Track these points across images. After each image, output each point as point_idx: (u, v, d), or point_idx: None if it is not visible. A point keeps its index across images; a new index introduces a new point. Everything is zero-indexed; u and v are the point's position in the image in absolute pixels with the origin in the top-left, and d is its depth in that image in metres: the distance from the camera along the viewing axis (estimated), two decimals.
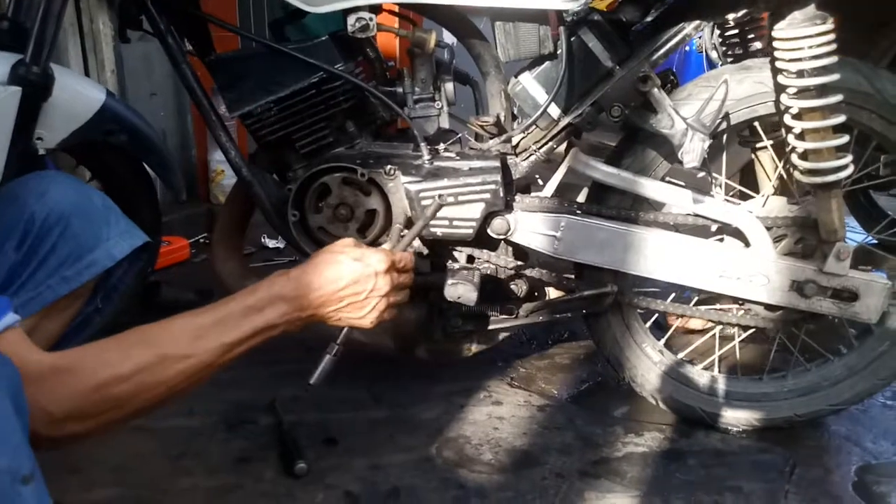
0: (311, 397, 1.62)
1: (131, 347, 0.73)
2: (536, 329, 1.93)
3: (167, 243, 2.25)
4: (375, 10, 1.16)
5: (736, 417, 1.51)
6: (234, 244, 1.45)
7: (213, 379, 0.80)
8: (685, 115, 1.19)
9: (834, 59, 1.16)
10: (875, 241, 1.57)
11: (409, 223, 1.26)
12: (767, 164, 1.40)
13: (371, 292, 0.92)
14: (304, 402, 1.60)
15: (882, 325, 1.47)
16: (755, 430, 1.52)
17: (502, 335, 1.51)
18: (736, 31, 1.36)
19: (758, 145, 1.38)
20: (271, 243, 2.50)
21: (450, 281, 1.20)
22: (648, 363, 1.49)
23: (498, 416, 1.58)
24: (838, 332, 1.58)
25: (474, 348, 1.49)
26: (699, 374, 1.53)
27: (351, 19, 1.16)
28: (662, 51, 1.21)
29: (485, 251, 1.32)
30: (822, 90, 1.17)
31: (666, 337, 1.54)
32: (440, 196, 1.18)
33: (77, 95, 1.32)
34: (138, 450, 1.40)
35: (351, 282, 0.90)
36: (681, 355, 1.54)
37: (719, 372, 1.54)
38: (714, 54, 1.38)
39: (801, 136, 1.22)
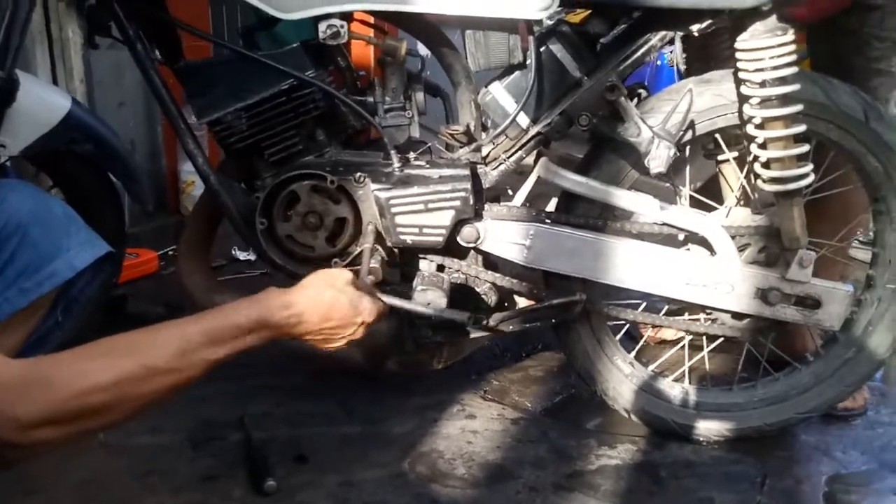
0: (282, 413, 1.59)
1: (115, 357, 0.72)
2: (509, 341, 1.92)
3: (135, 255, 2.21)
4: (347, 17, 1.17)
5: (707, 428, 1.51)
6: (201, 256, 1.42)
7: (180, 395, 0.78)
8: (651, 125, 1.21)
9: (795, 69, 1.19)
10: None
11: (378, 235, 1.26)
12: (731, 177, 1.43)
13: (350, 335, 0.96)
14: (274, 417, 1.58)
15: (846, 332, 1.50)
16: (726, 441, 1.53)
17: (474, 347, 1.50)
18: (700, 45, 1.39)
19: (721, 158, 1.41)
20: (242, 255, 2.47)
21: (419, 287, 1.19)
22: (619, 376, 1.50)
23: (471, 430, 1.56)
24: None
25: (446, 360, 1.48)
26: (670, 387, 1.53)
27: (322, 26, 1.16)
28: (629, 61, 1.23)
29: (455, 260, 1.32)
30: (783, 100, 1.20)
31: (637, 349, 1.55)
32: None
33: (42, 102, 1.30)
34: (103, 468, 1.36)
35: (338, 325, 0.93)
36: (651, 368, 1.55)
37: (689, 383, 1.55)
38: (684, 68, 1.42)
39: (763, 146, 1.25)
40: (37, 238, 0.96)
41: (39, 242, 0.97)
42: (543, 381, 1.77)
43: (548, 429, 1.58)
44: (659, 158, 1.17)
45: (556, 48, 1.26)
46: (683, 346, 1.55)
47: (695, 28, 1.19)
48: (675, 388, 1.53)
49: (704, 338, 1.51)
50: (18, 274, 0.96)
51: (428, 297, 1.19)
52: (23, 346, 1.02)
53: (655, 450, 1.54)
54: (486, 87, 1.31)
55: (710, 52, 1.49)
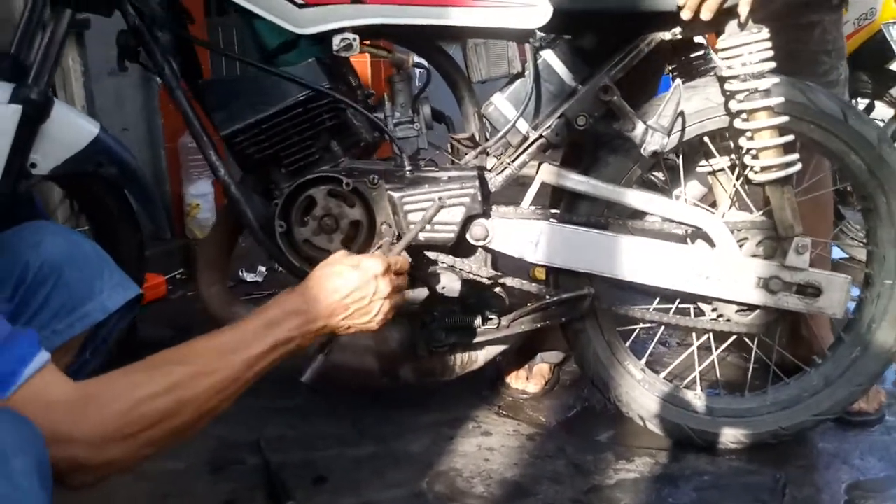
0: (296, 435, 1.59)
1: (162, 366, 0.76)
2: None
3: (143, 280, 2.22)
4: (359, 31, 1.27)
5: (723, 434, 1.51)
6: (220, 270, 1.47)
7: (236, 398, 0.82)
8: (645, 120, 1.30)
9: (773, 64, 1.29)
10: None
11: (392, 236, 1.31)
12: (724, 182, 1.50)
13: (374, 296, 0.97)
14: (289, 440, 1.57)
15: (850, 331, 1.53)
16: (744, 448, 1.52)
17: (487, 358, 1.52)
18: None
19: (715, 167, 1.49)
20: (249, 277, 2.50)
21: (433, 272, 1.23)
22: (632, 381, 1.51)
23: (488, 447, 1.56)
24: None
25: (459, 369, 1.50)
26: (683, 392, 1.54)
27: (336, 39, 1.26)
28: (621, 66, 1.33)
29: (465, 261, 1.37)
30: (765, 92, 1.29)
31: (647, 355, 1.57)
32: (440, 198, 1.24)
33: (72, 126, 1.39)
34: (123, 493, 1.35)
35: (353, 289, 0.95)
36: (662, 374, 1.56)
37: (700, 390, 1.56)
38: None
39: (751, 138, 1.33)
40: (71, 280, 0.98)
41: (73, 284, 0.99)
42: (556, 394, 1.78)
43: (564, 443, 1.58)
44: (654, 143, 1.25)
45: (552, 58, 1.36)
46: (693, 352, 1.57)
47: (678, 30, 1.29)
48: (689, 394, 1.54)
49: (713, 341, 1.53)
50: (52, 316, 0.98)
51: (443, 282, 1.23)
52: None
53: (673, 462, 1.53)
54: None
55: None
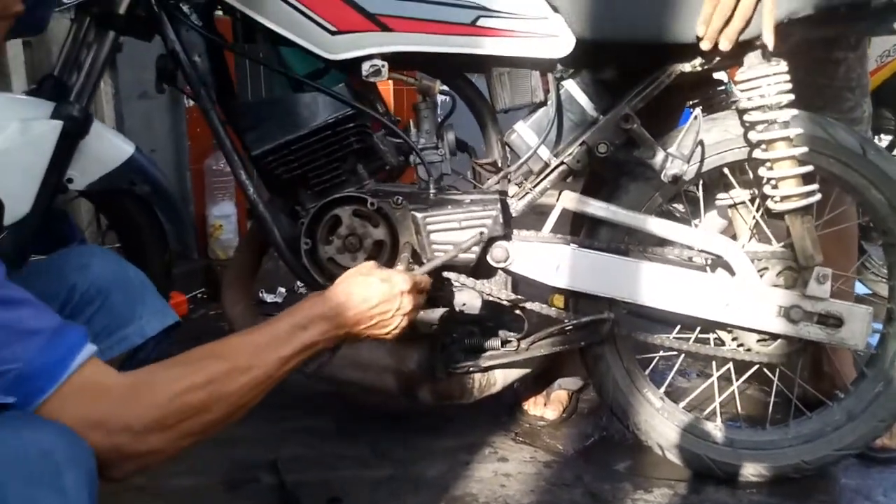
0: (314, 455, 1.60)
1: (201, 360, 0.79)
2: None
3: None
4: (387, 58, 1.32)
5: (744, 466, 1.49)
6: (244, 289, 1.50)
7: (213, 437, 0.83)
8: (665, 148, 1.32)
9: (791, 96, 1.31)
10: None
11: (414, 254, 1.33)
12: (744, 214, 1.51)
13: (397, 311, 1.01)
14: (306, 460, 1.58)
15: (873, 367, 1.52)
16: (765, 482, 1.50)
17: (505, 383, 1.53)
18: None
19: (736, 200, 1.50)
20: (269, 298, 2.53)
21: (455, 289, 1.25)
22: (651, 409, 1.50)
23: (504, 473, 1.55)
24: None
25: (477, 392, 1.50)
26: (702, 423, 1.53)
27: (365, 65, 1.31)
28: (641, 96, 1.36)
29: (486, 282, 1.38)
30: (784, 123, 1.31)
31: (666, 385, 1.57)
32: (482, 233, 1.27)
33: (109, 144, 1.44)
34: None
35: (380, 301, 0.99)
36: (682, 404, 1.55)
37: (721, 421, 1.55)
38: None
39: (770, 168, 1.34)
40: (115, 303, 1.02)
41: (116, 308, 1.02)
42: (574, 422, 1.77)
43: (581, 472, 1.57)
44: (674, 168, 1.26)
45: (574, 88, 1.39)
46: (713, 383, 1.56)
47: (698, 62, 1.32)
48: (709, 425, 1.53)
49: (733, 371, 1.52)
50: (94, 336, 1.00)
51: (463, 299, 1.25)
52: None
53: (692, 493, 1.51)
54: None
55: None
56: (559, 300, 1.55)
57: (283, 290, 2.60)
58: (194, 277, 2.66)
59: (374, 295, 0.98)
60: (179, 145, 2.75)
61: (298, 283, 2.60)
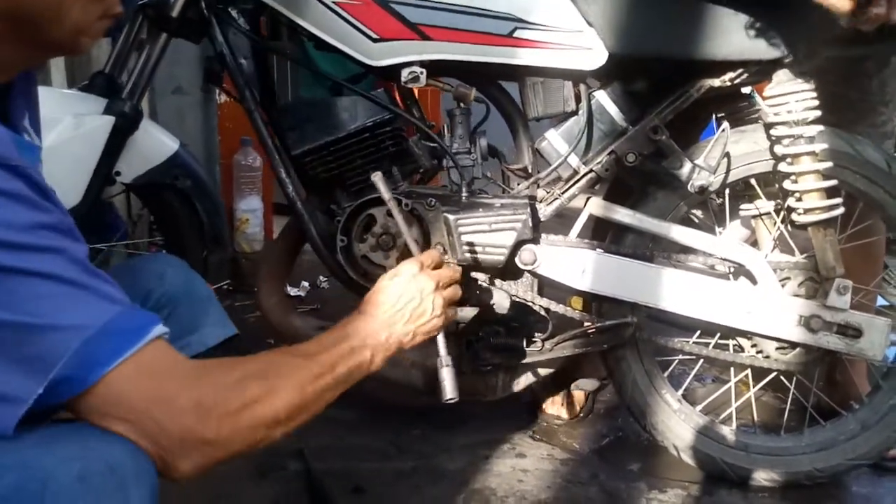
0: (339, 446, 1.65)
1: (261, 357, 0.83)
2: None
3: None
4: (425, 65, 1.37)
5: (757, 470, 1.53)
6: (280, 282, 1.56)
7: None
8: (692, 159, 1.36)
9: (817, 112, 1.35)
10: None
11: (444, 254, 1.38)
12: (768, 225, 1.54)
13: (422, 293, 1.03)
14: (331, 450, 1.63)
15: (889, 379, 1.55)
16: (777, 487, 1.54)
17: (528, 382, 1.57)
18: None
19: (761, 210, 1.54)
20: (293, 291, 2.59)
21: (484, 289, 1.30)
22: (668, 411, 1.54)
23: (522, 469, 1.60)
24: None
25: (501, 390, 1.55)
26: (718, 426, 1.57)
27: (404, 72, 1.36)
28: (670, 108, 1.40)
29: (513, 283, 1.43)
30: (809, 138, 1.35)
31: (683, 389, 1.61)
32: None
33: (155, 141, 1.50)
34: (174, 493, 1.42)
35: (399, 294, 1.02)
36: (698, 407, 1.59)
37: (736, 426, 1.58)
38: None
39: (795, 182, 1.38)
40: (182, 313, 1.05)
41: (183, 317, 1.05)
42: (590, 423, 1.81)
43: (597, 470, 1.61)
44: (700, 180, 1.31)
45: (605, 99, 1.44)
46: (730, 388, 1.60)
47: (727, 77, 1.36)
48: (724, 429, 1.57)
49: (750, 378, 1.56)
50: None
51: (493, 298, 1.30)
52: None
53: (705, 495, 1.55)
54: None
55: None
56: (578, 302, 1.59)
57: (306, 283, 2.66)
58: (220, 269, 2.72)
59: (392, 293, 1.01)
60: (210, 140, 2.81)
61: (321, 277, 2.67)
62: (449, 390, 1.06)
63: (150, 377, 0.69)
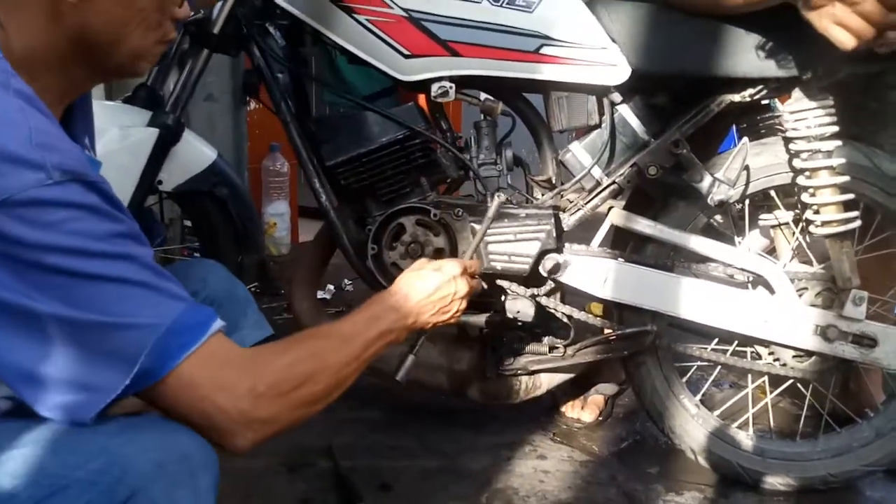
0: (365, 444, 1.71)
1: (304, 340, 0.90)
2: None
3: None
4: (454, 80, 1.43)
5: (772, 475, 1.57)
6: (312, 285, 1.62)
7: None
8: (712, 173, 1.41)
9: (836, 128, 1.39)
10: None
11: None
12: (787, 235, 1.58)
13: (454, 295, 1.11)
14: (358, 448, 1.70)
15: None
16: (791, 492, 1.58)
17: (549, 386, 1.63)
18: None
19: (780, 221, 1.57)
20: (318, 294, 2.64)
21: (510, 297, 1.35)
22: (686, 415, 1.59)
23: (543, 470, 1.65)
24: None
25: (523, 395, 1.60)
26: (735, 431, 1.61)
27: (434, 87, 1.42)
28: (691, 122, 1.44)
29: (536, 291, 1.48)
30: (827, 153, 1.39)
31: (702, 392, 1.65)
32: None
33: (195, 151, 1.58)
34: None
35: (437, 288, 1.09)
36: (716, 412, 1.64)
37: (752, 431, 1.62)
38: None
39: (813, 195, 1.42)
40: (224, 314, 1.09)
41: (225, 318, 1.11)
42: (609, 426, 1.86)
43: (615, 472, 1.66)
44: (720, 194, 1.35)
45: (627, 113, 1.48)
46: (747, 394, 1.64)
47: (747, 93, 1.40)
48: (741, 434, 1.60)
49: (767, 384, 1.60)
50: None
51: (518, 307, 1.35)
52: None
53: (721, 498, 1.59)
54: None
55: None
56: (596, 308, 1.64)
57: (331, 287, 2.72)
58: (247, 273, 2.80)
59: (431, 284, 1.08)
60: (240, 146, 2.89)
61: (346, 280, 2.73)
62: (401, 373, 1.17)
63: (212, 367, 0.76)
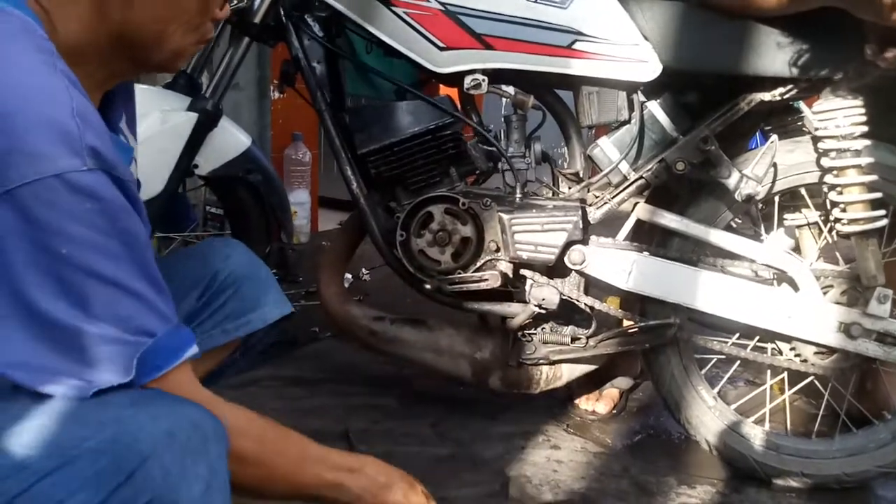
0: (380, 430, 1.74)
1: (268, 425, 0.88)
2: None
3: None
4: (487, 73, 1.45)
5: (787, 471, 1.58)
6: (339, 272, 1.66)
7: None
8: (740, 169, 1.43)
9: (864, 128, 1.40)
10: None
11: (496, 250, 1.47)
12: (814, 234, 1.60)
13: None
14: (372, 433, 1.72)
15: None
16: (805, 489, 1.59)
17: (570, 377, 1.65)
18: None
19: (809, 219, 1.59)
20: None
21: (535, 285, 1.38)
22: (703, 406, 1.60)
23: (556, 460, 1.67)
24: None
25: (543, 385, 1.63)
26: (751, 426, 1.62)
27: (467, 79, 1.45)
28: (721, 120, 1.46)
29: (561, 282, 1.51)
30: (855, 152, 1.41)
31: (719, 386, 1.67)
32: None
33: (231, 136, 1.61)
34: None
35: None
36: (732, 406, 1.66)
37: (769, 427, 1.64)
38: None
39: (840, 193, 1.44)
40: (245, 292, 1.13)
41: (246, 295, 1.14)
42: (623, 419, 1.87)
43: (629, 464, 1.67)
44: (747, 189, 1.38)
45: (657, 109, 1.51)
46: (765, 390, 1.66)
47: (777, 92, 1.42)
48: (756, 429, 1.62)
49: (786, 381, 1.62)
50: (224, 317, 1.13)
51: (543, 294, 1.38)
52: (206, 376, 1.15)
53: (733, 493, 1.61)
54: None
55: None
56: (613, 302, 1.67)
57: (349, 275, 2.75)
58: (269, 258, 2.84)
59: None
60: (263, 135, 2.94)
61: (364, 270, 2.76)
62: None
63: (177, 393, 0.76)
